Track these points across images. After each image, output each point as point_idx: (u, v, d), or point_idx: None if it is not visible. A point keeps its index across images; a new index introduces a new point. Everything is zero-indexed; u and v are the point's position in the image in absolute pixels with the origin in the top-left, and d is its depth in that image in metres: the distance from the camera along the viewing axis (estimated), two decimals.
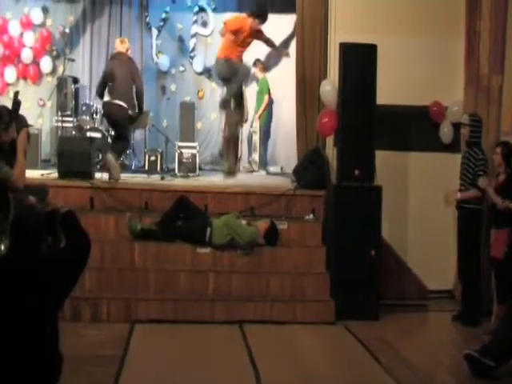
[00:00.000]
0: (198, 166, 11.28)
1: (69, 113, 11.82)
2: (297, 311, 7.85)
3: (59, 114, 11.84)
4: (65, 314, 6.99)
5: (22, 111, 6.10)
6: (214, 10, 13.24)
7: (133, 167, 11.52)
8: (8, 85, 12.66)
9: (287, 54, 10.46)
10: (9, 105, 6.01)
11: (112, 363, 6.18)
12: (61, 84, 12.14)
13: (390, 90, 8.71)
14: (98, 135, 11.16)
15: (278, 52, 11.21)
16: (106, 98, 10.09)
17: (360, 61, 8.31)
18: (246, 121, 11.68)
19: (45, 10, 12.92)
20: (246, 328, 7.48)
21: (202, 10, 13.27)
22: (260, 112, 12.13)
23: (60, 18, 12.97)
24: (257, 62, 12.46)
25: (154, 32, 13.16)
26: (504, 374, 6.20)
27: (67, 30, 12.85)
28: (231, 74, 9.53)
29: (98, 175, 9.48)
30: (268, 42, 10.12)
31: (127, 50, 10.26)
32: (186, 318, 7.57)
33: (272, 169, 12.20)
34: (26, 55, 12.73)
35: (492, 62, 8.88)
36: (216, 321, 7.61)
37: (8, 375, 3.89)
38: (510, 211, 7.42)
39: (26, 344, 3.90)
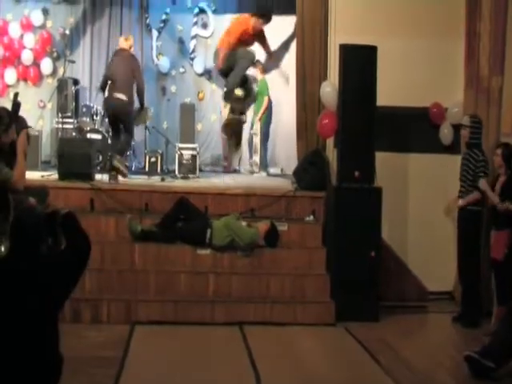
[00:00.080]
0: (198, 167, 11.28)
1: (69, 114, 11.82)
2: (297, 313, 7.85)
3: (59, 115, 11.85)
4: (65, 315, 6.99)
5: (22, 113, 6.11)
6: (214, 12, 13.24)
7: (133, 168, 11.52)
8: (8, 86, 12.66)
9: (287, 79, 10.47)
10: (9, 106, 6.01)
11: (112, 365, 6.17)
12: (61, 85, 12.14)
13: (390, 91, 8.71)
14: (98, 137, 11.16)
15: (273, 61, 11.23)
16: (107, 94, 10.16)
17: (360, 62, 8.32)
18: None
19: (45, 12, 12.92)
20: (247, 329, 7.48)
21: (202, 11, 13.28)
22: (260, 114, 12.12)
23: (60, 20, 12.98)
24: (256, 62, 12.45)
25: (154, 33, 13.16)
26: (504, 376, 6.20)
27: (67, 32, 12.86)
28: (231, 63, 9.66)
29: (98, 176, 9.48)
30: (266, 47, 10.19)
31: (130, 48, 10.33)
32: (187, 320, 7.57)
33: (272, 170, 12.20)
34: (27, 57, 12.73)
35: (492, 64, 8.89)
36: (216, 322, 7.61)
37: (8, 377, 3.89)
38: (510, 213, 7.43)
39: (25, 345, 3.90)
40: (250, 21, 9.40)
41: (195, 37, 13.29)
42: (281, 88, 12.31)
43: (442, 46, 9.18)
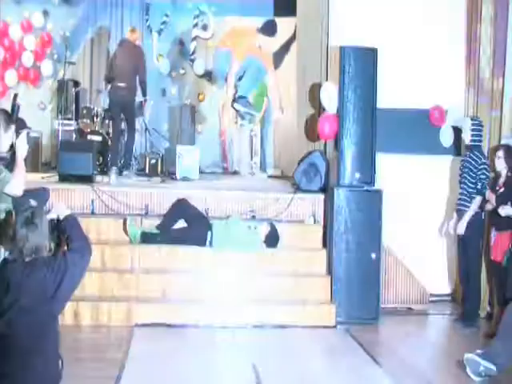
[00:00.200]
0: (198, 168, 11.27)
1: (69, 116, 11.83)
2: (297, 314, 7.83)
3: (60, 117, 11.86)
4: (65, 316, 6.99)
5: (22, 114, 6.11)
6: (215, 14, 13.25)
7: (133, 170, 11.52)
8: (9, 88, 12.67)
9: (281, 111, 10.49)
10: (9, 108, 6.01)
11: (112, 366, 6.16)
12: (61, 87, 12.16)
13: (391, 93, 8.71)
14: (98, 138, 11.17)
15: None
16: (110, 85, 10.23)
17: (361, 64, 8.31)
18: None
19: (45, 14, 12.94)
20: (247, 331, 7.47)
21: (202, 13, 13.29)
22: (260, 115, 12.14)
23: (60, 22, 12.99)
24: None
25: (155, 35, 13.18)
26: (504, 378, 6.19)
27: (68, 34, 12.87)
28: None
29: (98, 178, 9.48)
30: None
31: (135, 40, 10.38)
32: (187, 322, 7.56)
33: (272, 172, 12.20)
34: (27, 59, 12.75)
35: (493, 66, 8.89)
36: (216, 323, 7.60)
37: (8, 379, 3.88)
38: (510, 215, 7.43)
39: (25, 347, 3.90)
40: (255, 37, 9.26)
41: (195, 38, 13.30)
42: (281, 89, 12.32)
43: (442, 48, 9.17)
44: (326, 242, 8.46)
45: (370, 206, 8.22)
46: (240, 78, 10.15)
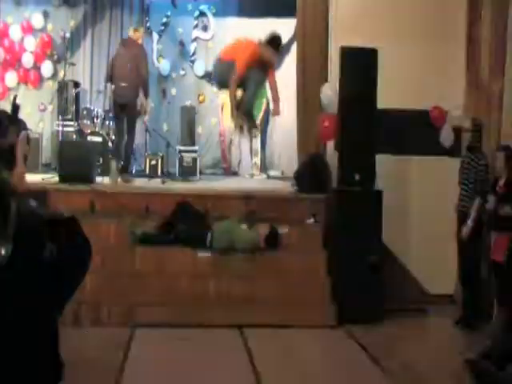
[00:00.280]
0: (198, 170, 11.28)
1: (70, 117, 11.83)
2: (297, 315, 7.83)
3: (60, 118, 11.86)
4: (65, 318, 6.97)
5: (22, 115, 6.10)
6: (215, 15, 13.25)
7: (133, 171, 11.53)
8: (9, 89, 12.67)
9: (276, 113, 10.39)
10: (9, 109, 6.01)
11: (112, 367, 6.17)
12: (61, 88, 12.16)
13: (391, 94, 8.71)
14: (98, 139, 11.17)
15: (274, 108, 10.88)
16: (114, 85, 10.23)
17: (361, 65, 8.32)
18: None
19: (45, 15, 12.93)
20: (247, 332, 7.47)
21: (202, 14, 13.28)
22: (260, 116, 12.13)
23: (61, 23, 12.98)
24: None
25: (155, 36, 13.17)
26: (505, 379, 6.19)
27: (68, 35, 12.86)
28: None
29: (98, 179, 9.49)
30: (273, 90, 9.87)
31: (138, 39, 10.37)
32: (187, 322, 7.56)
33: (273, 173, 12.20)
34: (27, 60, 12.74)
35: (493, 67, 8.90)
36: (216, 325, 7.59)
37: (7, 382, 3.88)
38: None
39: (25, 349, 3.90)
40: (258, 48, 9.09)
41: (196, 39, 13.30)
42: (281, 91, 12.31)
43: (442, 49, 9.19)
44: (326, 242, 8.46)
45: (370, 207, 8.22)
46: (243, 88, 10.02)
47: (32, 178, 8.36)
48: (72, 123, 11.73)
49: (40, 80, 12.90)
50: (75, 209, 8.11)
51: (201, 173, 11.52)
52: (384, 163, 8.79)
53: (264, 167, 12.02)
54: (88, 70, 13.10)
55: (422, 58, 9.16)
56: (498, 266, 7.53)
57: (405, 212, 9.27)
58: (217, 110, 12.95)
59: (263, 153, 12.15)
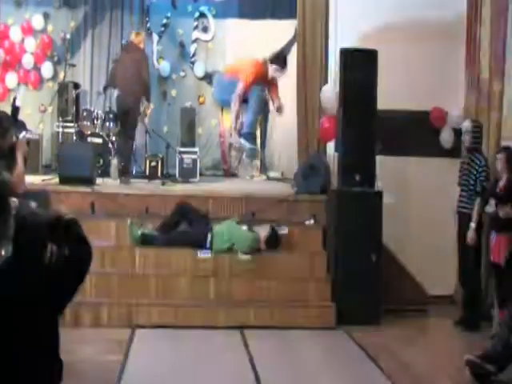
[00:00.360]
0: (198, 171, 11.27)
1: (70, 118, 11.81)
2: (297, 316, 7.84)
3: (60, 119, 11.86)
4: (65, 319, 6.99)
5: (22, 117, 6.12)
6: (215, 16, 13.25)
7: (133, 172, 11.52)
8: (9, 90, 12.67)
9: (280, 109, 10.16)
10: (9, 110, 6.02)
11: (113, 368, 6.17)
12: (62, 89, 12.15)
13: (391, 95, 8.72)
14: (99, 141, 11.16)
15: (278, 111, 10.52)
16: (117, 91, 10.24)
17: (361, 66, 8.32)
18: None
19: (46, 16, 12.92)
20: (247, 333, 7.47)
21: (202, 15, 13.28)
22: (259, 118, 12.14)
23: (61, 24, 12.97)
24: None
25: (155, 37, 13.17)
26: (505, 380, 6.19)
27: (68, 36, 12.85)
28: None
29: (99, 180, 9.49)
30: (276, 99, 9.62)
31: (140, 43, 10.37)
32: (187, 323, 7.56)
33: (273, 174, 12.18)
34: (27, 61, 12.73)
35: (492, 68, 8.90)
36: (217, 326, 7.60)
37: (8, 382, 3.88)
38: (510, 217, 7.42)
39: (25, 350, 3.90)
40: (263, 67, 8.89)
41: (196, 41, 13.30)
42: (281, 92, 12.31)
43: (442, 50, 9.20)
44: (327, 243, 8.46)
45: (370, 208, 8.22)
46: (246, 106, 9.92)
47: (32, 179, 8.37)
48: (72, 124, 11.72)
49: (40, 81, 12.90)
50: (75, 210, 8.12)
51: (201, 174, 11.50)
52: (384, 164, 8.79)
53: (264, 168, 12.01)
54: (88, 71, 13.09)
55: (422, 58, 9.17)
56: (498, 267, 7.54)
57: (405, 213, 9.28)
58: (217, 111, 12.95)
59: (263, 154, 12.14)
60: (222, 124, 12.73)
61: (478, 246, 8.08)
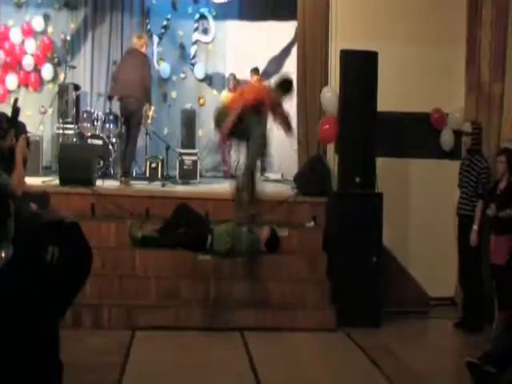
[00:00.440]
0: (198, 172, 11.28)
1: (70, 120, 11.84)
2: (298, 318, 7.83)
3: (60, 121, 11.88)
4: (65, 320, 6.97)
5: (22, 118, 6.11)
6: (215, 18, 13.27)
7: (134, 174, 11.53)
8: (9, 92, 12.68)
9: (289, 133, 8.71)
10: (9, 112, 6.02)
11: (113, 370, 6.17)
12: (62, 91, 12.17)
13: (391, 96, 8.71)
14: (99, 142, 11.17)
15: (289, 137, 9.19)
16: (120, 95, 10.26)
17: (361, 68, 8.31)
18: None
19: (46, 18, 12.96)
20: (247, 335, 7.46)
21: (202, 17, 13.31)
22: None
23: (61, 26, 13.00)
24: (253, 71, 12.49)
25: (155, 39, 13.19)
26: (505, 382, 6.18)
27: (68, 38, 12.88)
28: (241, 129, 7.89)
29: (98, 182, 9.49)
30: (284, 121, 8.26)
31: (142, 46, 10.38)
32: (187, 325, 7.56)
33: (273, 176, 12.19)
34: (28, 62, 12.76)
35: (493, 69, 8.90)
36: (217, 328, 7.59)
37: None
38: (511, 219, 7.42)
39: (25, 352, 3.89)
40: (268, 94, 8.00)
41: (196, 42, 13.32)
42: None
43: (442, 52, 9.19)
44: (327, 245, 8.45)
45: (371, 210, 8.21)
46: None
47: (32, 180, 8.37)
48: (72, 126, 11.75)
49: (40, 83, 12.92)
50: (75, 211, 8.12)
51: (201, 176, 11.52)
52: (384, 166, 8.79)
53: (264, 170, 12.02)
54: (88, 72, 13.12)
55: (422, 60, 9.17)
56: (498, 269, 7.53)
57: (405, 215, 9.27)
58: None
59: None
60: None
61: (478, 247, 8.08)
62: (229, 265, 8.11)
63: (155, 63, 13.13)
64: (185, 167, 11.11)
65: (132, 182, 10.12)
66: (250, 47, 12.97)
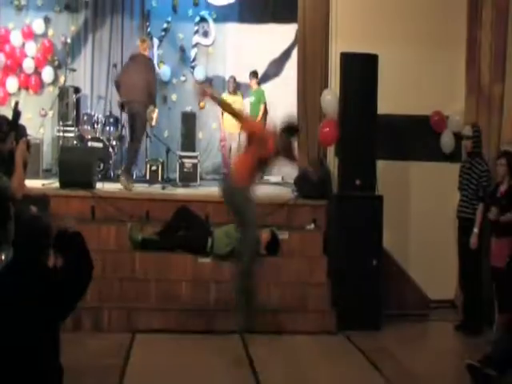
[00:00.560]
0: (199, 175, 11.28)
1: (70, 122, 11.85)
2: (298, 321, 7.82)
3: (61, 123, 11.89)
4: (66, 323, 6.95)
5: (23, 121, 6.11)
6: (215, 21, 13.28)
7: (134, 177, 11.52)
8: (10, 95, 12.68)
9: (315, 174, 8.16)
10: (10, 115, 6.02)
11: (113, 373, 6.16)
12: (62, 94, 12.18)
13: (391, 99, 8.71)
14: (99, 145, 11.18)
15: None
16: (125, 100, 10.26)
17: (361, 70, 8.32)
18: None
19: (46, 21, 12.96)
20: (247, 338, 7.45)
21: (203, 19, 13.32)
22: (258, 119, 12.20)
23: (62, 28, 13.01)
24: (252, 74, 12.51)
25: (156, 42, 13.20)
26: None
27: (69, 40, 12.89)
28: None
29: (99, 185, 9.48)
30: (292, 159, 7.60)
31: (145, 50, 10.39)
32: (187, 328, 7.55)
33: (273, 178, 12.19)
34: (28, 65, 12.76)
35: (493, 71, 8.91)
36: (217, 330, 7.58)
37: None
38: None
39: (25, 355, 3.89)
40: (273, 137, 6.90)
41: (196, 45, 13.33)
42: (281, 96, 12.33)
43: (442, 54, 9.19)
44: (327, 248, 8.45)
45: (371, 213, 8.21)
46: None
47: (33, 183, 8.36)
48: (72, 129, 11.76)
49: (41, 85, 12.93)
50: (76, 214, 8.12)
51: (201, 178, 11.53)
52: (385, 168, 8.79)
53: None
54: (89, 75, 13.12)
55: (422, 63, 9.17)
56: (499, 272, 7.53)
57: (405, 217, 9.27)
58: (217, 115, 12.96)
59: None
60: (222, 128, 12.76)
61: (478, 250, 8.07)
62: (229, 267, 8.10)
63: (155, 66, 13.12)
64: (185, 170, 11.12)
65: (133, 185, 10.11)
66: (251, 50, 12.98)
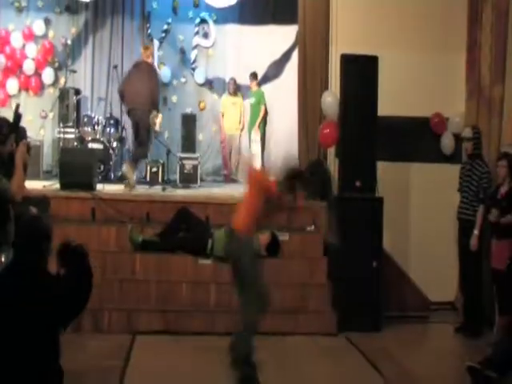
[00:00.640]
0: (199, 177, 11.28)
1: (70, 124, 11.84)
2: (298, 322, 7.83)
3: (61, 125, 11.88)
4: None
5: (24, 123, 6.12)
6: (216, 22, 13.27)
7: (135, 178, 11.52)
8: (10, 96, 12.68)
9: None
10: (10, 117, 6.03)
11: (113, 374, 6.16)
12: (63, 95, 12.18)
13: (391, 101, 8.72)
14: (99, 146, 11.18)
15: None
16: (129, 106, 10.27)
17: (361, 72, 8.32)
18: None
19: (47, 22, 12.95)
20: None
21: (203, 21, 13.31)
22: (258, 122, 12.19)
23: (62, 30, 13.00)
24: (252, 75, 12.51)
25: (156, 43, 13.19)
26: None
27: (69, 42, 12.89)
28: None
29: (99, 186, 9.48)
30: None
31: (148, 57, 10.41)
32: (188, 329, 7.55)
33: (273, 179, 12.18)
34: (28, 67, 12.76)
35: (493, 74, 8.91)
36: (217, 332, 7.57)
37: None
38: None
39: (26, 358, 3.89)
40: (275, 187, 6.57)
41: (196, 47, 13.32)
42: (282, 97, 12.33)
43: (443, 56, 9.20)
44: (327, 249, 8.44)
45: (371, 214, 8.21)
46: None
47: (33, 185, 8.36)
48: (73, 130, 11.75)
49: (41, 87, 12.92)
50: (76, 216, 8.13)
51: (201, 180, 11.52)
52: (385, 170, 8.79)
53: None
54: (89, 77, 13.11)
55: (423, 64, 9.18)
56: (499, 274, 7.53)
57: (405, 219, 9.27)
58: (218, 117, 12.97)
59: (264, 159, 12.16)
60: (222, 130, 12.76)
61: (478, 251, 8.07)
62: (229, 269, 8.09)
63: (156, 67, 13.13)
64: (185, 171, 11.11)
65: (134, 175, 10.11)
66: (251, 51, 12.98)
